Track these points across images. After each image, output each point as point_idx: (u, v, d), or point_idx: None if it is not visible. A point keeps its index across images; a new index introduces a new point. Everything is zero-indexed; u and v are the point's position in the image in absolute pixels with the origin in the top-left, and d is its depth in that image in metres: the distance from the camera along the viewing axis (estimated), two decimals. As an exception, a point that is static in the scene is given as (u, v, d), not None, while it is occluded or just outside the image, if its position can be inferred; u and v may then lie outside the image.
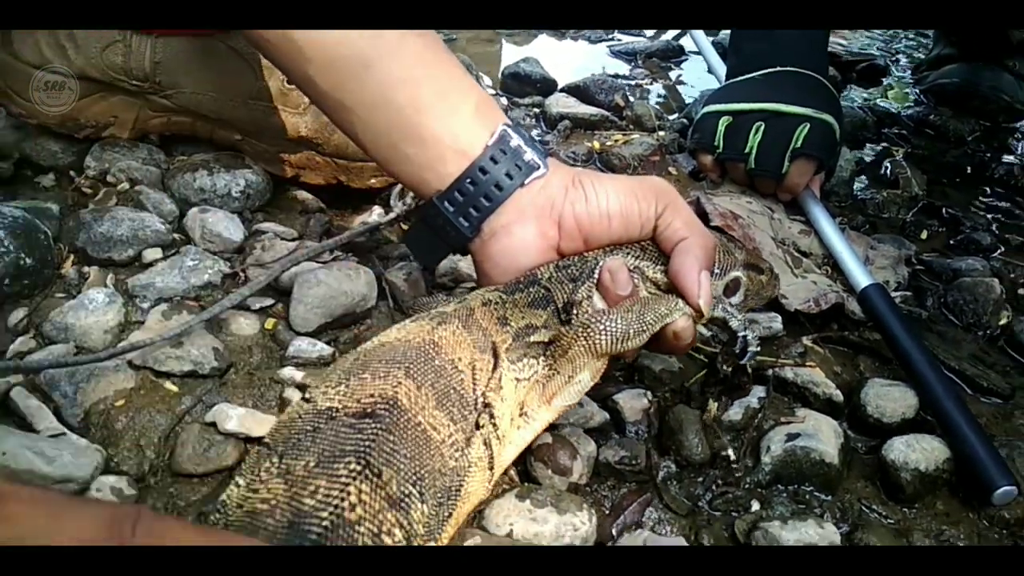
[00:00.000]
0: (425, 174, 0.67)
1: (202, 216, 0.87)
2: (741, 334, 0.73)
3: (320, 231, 0.94)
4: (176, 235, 0.88)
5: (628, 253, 0.68)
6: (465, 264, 0.92)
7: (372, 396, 0.52)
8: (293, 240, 0.91)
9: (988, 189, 1.29)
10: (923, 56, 1.74)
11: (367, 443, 0.49)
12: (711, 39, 1.67)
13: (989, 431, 0.80)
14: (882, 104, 1.55)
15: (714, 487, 0.71)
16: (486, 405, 0.57)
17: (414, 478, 0.50)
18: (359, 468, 0.48)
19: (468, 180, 0.66)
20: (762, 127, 1.06)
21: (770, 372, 0.82)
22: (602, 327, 0.61)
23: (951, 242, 1.13)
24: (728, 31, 1.82)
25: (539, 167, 0.67)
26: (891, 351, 0.86)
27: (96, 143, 0.96)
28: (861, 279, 0.92)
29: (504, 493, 0.63)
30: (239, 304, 0.78)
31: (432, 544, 0.50)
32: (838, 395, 0.81)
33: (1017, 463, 0.76)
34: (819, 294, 0.93)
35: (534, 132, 1.27)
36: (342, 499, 0.47)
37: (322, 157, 0.98)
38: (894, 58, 1.83)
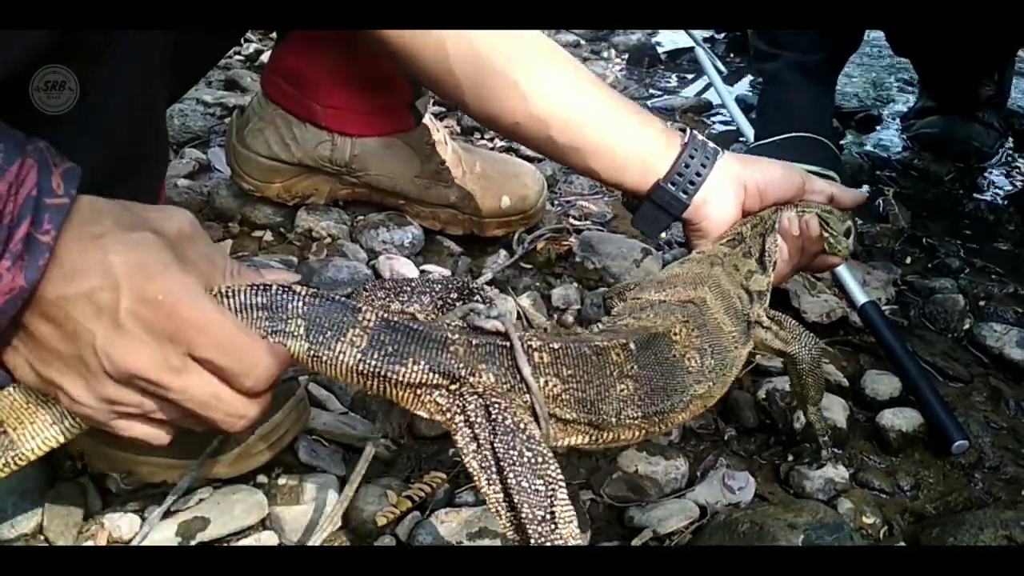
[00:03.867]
0: (645, 174, 0.92)
1: (389, 261, 1.18)
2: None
3: (465, 269, 1.25)
4: (372, 276, 1.19)
5: (788, 208, 0.95)
6: (572, 292, 1.22)
7: (690, 295, 0.80)
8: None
9: (960, 221, 1.57)
10: (909, 104, 2.03)
11: (688, 312, 0.77)
12: (734, 96, 1.98)
13: (952, 406, 1.05)
14: (875, 150, 1.85)
15: (763, 444, 1.01)
16: (749, 325, 0.84)
17: (710, 342, 0.77)
18: (682, 319, 0.76)
19: (682, 166, 0.91)
20: None
21: (796, 366, 1.12)
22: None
23: (929, 266, 1.41)
24: (745, 89, 2.12)
25: (720, 152, 0.92)
26: (882, 350, 1.12)
27: (300, 208, 1.27)
28: (860, 297, 1.17)
29: (628, 447, 0.93)
30: (428, 325, 1.09)
31: (708, 385, 0.76)
32: (844, 381, 1.09)
33: (971, 426, 1.03)
34: (829, 309, 1.21)
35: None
36: (671, 330, 0.74)
37: (462, 215, 1.28)
38: (887, 102, 2.13)
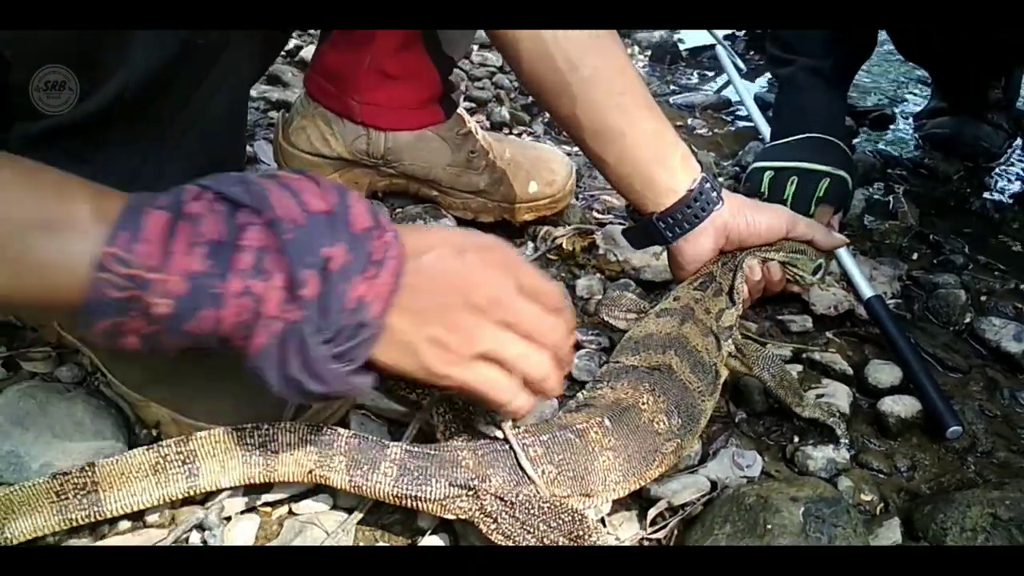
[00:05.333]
0: (647, 201, 1.03)
1: (426, 252, 1.26)
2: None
3: (496, 260, 1.33)
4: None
5: (754, 252, 1.08)
6: (596, 283, 1.30)
7: (657, 362, 0.91)
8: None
9: (966, 219, 1.63)
10: (922, 104, 2.09)
11: (654, 380, 0.89)
12: (753, 93, 2.04)
13: (951, 395, 1.12)
14: (888, 149, 1.91)
15: (771, 426, 1.08)
16: (717, 373, 0.96)
17: (675, 404, 0.88)
18: (649, 388, 0.88)
19: (677, 212, 1.01)
20: (795, 180, 1.36)
21: (804, 356, 1.19)
22: None
23: (934, 262, 1.47)
24: (764, 86, 2.18)
25: (719, 203, 1.02)
26: (886, 342, 1.19)
27: (343, 200, 1.35)
28: (866, 291, 1.23)
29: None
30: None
31: (677, 442, 0.87)
32: (849, 370, 1.15)
33: (967, 414, 1.10)
34: (837, 302, 1.28)
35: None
36: (639, 400, 0.87)
37: (492, 203, 1.35)
38: (901, 101, 2.18)
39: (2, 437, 0.86)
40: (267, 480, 0.80)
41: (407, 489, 0.77)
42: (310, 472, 0.78)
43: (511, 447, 0.80)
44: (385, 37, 1.23)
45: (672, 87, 2.23)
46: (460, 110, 1.36)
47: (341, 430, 0.79)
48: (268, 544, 0.83)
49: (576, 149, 1.72)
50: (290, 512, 0.86)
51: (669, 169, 1.01)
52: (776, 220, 1.07)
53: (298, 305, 0.60)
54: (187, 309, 0.59)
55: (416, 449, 0.80)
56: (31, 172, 0.59)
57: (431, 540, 0.83)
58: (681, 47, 2.48)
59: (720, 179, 1.65)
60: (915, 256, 1.49)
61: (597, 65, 0.97)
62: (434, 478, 0.78)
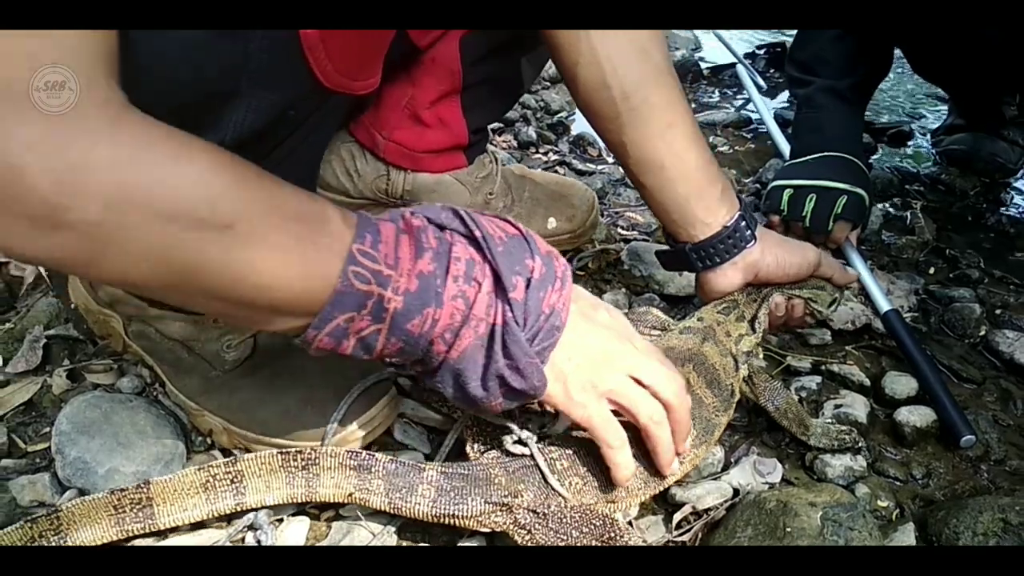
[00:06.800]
0: (681, 231, 1.05)
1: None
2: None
3: (525, 276, 1.38)
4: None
5: (782, 289, 1.11)
6: (621, 297, 1.35)
7: None
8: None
9: (982, 234, 1.66)
10: (939, 120, 2.12)
11: None
12: (773, 111, 2.08)
13: (965, 405, 1.15)
14: (905, 165, 1.95)
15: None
16: (732, 392, 0.99)
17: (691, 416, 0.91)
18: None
19: (709, 246, 1.04)
20: (814, 198, 1.41)
21: (823, 367, 1.23)
22: None
23: (951, 276, 1.50)
24: (783, 104, 2.22)
25: (752, 241, 1.04)
26: (902, 354, 1.22)
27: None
28: (883, 305, 1.28)
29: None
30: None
31: (693, 451, 0.91)
32: (867, 381, 1.19)
33: (981, 424, 1.13)
34: (855, 316, 1.32)
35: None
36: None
37: None
38: (918, 118, 2.22)
39: (70, 445, 0.92)
40: (309, 500, 0.86)
41: (444, 509, 0.82)
42: (350, 495, 0.84)
43: (537, 464, 0.85)
44: (428, 84, 1.25)
45: (693, 105, 2.28)
46: (489, 147, 1.39)
47: (379, 455, 0.84)
48: (318, 544, 0.88)
49: (601, 168, 1.78)
50: (338, 514, 0.92)
51: (706, 204, 1.03)
52: (804, 262, 1.10)
53: (507, 307, 0.69)
54: (414, 306, 0.66)
55: (451, 470, 0.84)
56: (268, 174, 0.64)
57: (471, 541, 0.88)
58: (702, 65, 2.53)
59: (742, 195, 1.69)
60: (932, 270, 1.53)
61: (649, 98, 0.99)
62: (469, 497, 0.82)
